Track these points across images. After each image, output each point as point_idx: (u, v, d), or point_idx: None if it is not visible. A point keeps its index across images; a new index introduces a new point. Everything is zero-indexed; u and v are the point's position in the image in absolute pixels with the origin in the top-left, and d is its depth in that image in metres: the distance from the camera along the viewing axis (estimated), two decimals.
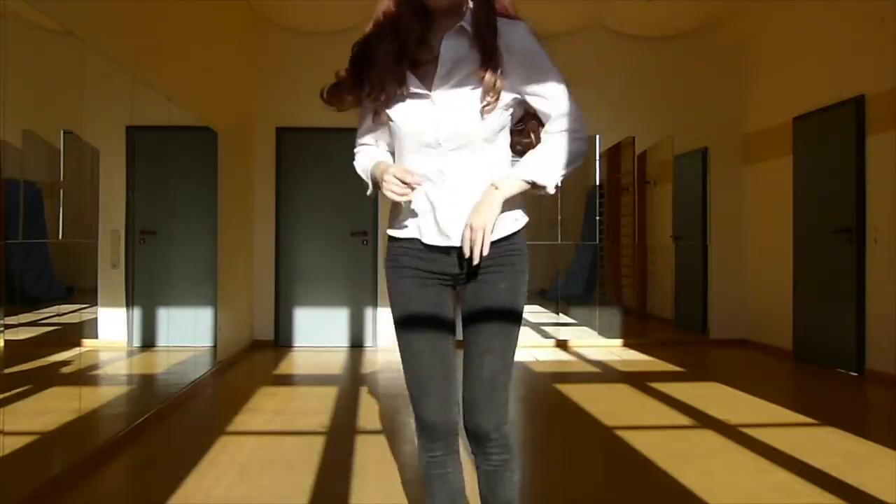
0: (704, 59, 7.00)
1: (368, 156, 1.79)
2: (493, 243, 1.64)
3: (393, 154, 1.78)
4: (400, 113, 1.66)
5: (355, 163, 1.84)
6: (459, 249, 1.65)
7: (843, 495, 2.72)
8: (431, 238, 1.68)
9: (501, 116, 1.66)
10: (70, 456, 2.99)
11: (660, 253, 7.85)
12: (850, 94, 5.37)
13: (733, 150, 7.00)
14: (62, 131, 3.25)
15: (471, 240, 1.59)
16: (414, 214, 1.69)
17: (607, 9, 6.64)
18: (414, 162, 1.66)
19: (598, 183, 7.37)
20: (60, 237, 3.29)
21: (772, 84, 6.54)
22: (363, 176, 1.81)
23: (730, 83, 7.00)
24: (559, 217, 7.22)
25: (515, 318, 1.71)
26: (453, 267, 1.70)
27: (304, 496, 2.73)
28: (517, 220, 1.71)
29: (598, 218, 7.23)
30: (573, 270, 7.58)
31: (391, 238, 1.76)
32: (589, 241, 7.35)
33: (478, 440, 1.70)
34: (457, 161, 1.65)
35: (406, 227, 1.71)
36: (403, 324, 1.74)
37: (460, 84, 1.63)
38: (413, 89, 1.64)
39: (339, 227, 6.70)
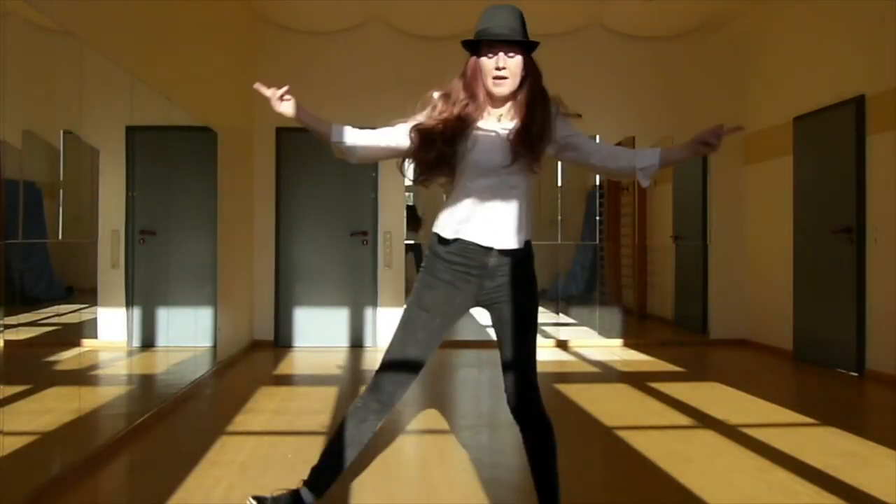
0: (704, 59, 7.00)
1: (355, 132, 2.13)
2: (514, 250, 2.07)
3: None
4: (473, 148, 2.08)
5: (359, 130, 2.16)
6: (492, 251, 2.06)
7: (843, 495, 2.72)
8: (476, 238, 2.05)
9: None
10: (70, 456, 2.99)
11: (660, 253, 7.85)
12: (850, 94, 5.37)
13: (733, 150, 6.98)
14: (62, 131, 3.25)
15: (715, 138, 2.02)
16: (462, 221, 2.06)
17: (607, 9, 6.64)
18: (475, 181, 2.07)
19: (598, 183, 7.37)
20: (60, 237, 3.29)
21: (772, 84, 6.53)
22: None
23: (730, 83, 6.99)
24: (559, 217, 7.22)
25: (537, 319, 2.18)
26: (487, 262, 2.06)
27: None
28: (528, 233, 2.12)
29: (598, 218, 7.23)
30: (573, 270, 7.59)
31: (439, 238, 2.10)
32: (589, 241, 7.36)
33: (538, 419, 2.11)
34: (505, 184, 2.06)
35: (455, 229, 2.07)
36: (417, 307, 2.08)
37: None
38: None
39: (339, 227, 6.70)
